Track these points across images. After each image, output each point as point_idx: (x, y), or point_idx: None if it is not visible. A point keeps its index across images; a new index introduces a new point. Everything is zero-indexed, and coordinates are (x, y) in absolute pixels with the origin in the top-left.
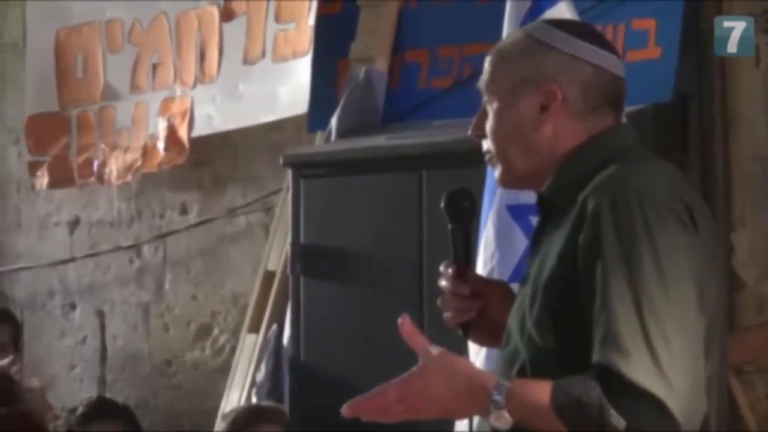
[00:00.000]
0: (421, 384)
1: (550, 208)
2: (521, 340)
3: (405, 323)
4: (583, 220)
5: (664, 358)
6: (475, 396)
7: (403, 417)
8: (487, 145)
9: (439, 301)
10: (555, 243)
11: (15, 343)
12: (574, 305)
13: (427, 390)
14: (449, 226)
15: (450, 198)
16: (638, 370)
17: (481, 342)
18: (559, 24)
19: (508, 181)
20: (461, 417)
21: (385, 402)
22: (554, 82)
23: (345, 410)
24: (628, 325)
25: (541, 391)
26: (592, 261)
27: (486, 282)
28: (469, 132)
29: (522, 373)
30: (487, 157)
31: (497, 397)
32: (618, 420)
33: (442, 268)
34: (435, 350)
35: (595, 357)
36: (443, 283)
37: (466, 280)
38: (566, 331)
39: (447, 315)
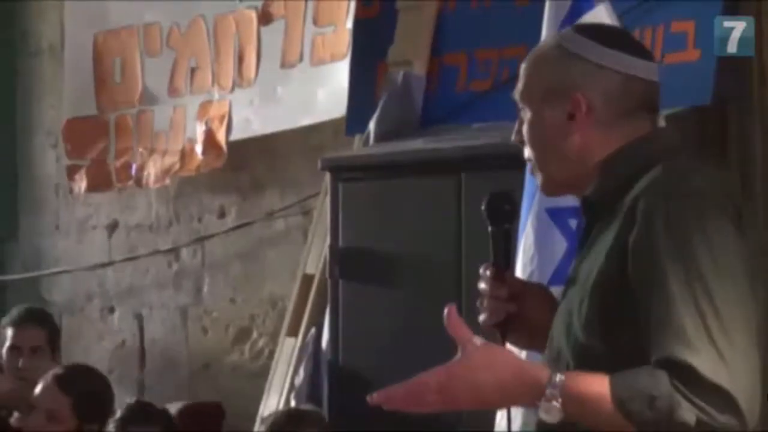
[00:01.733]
0: (465, 373)
1: (594, 212)
2: (567, 343)
3: (451, 313)
4: (632, 220)
5: (727, 352)
6: (526, 387)
7: (439, 408)
8: (527, 152)
9: (477, 303)
10: (603, 245)
11: (52, 346)
12: (624, 307)
13: (471, 379)
14: (489, 228)
15: (491, 200)
16: (707, 365)
17: (518, 344)
18: (587, 31)
19: (548, 189)
20: (505, 407)
21: (423, 390)
22: (578, 91)
23: (372, 398)
24: (691, 320)
25: (599, 383)
26: (645, 260)
27: (524, 284)
28: (512, 138)
29: None
30: (529, 165)
31: (551, 390)
32: (689, 414)
33: (481, 270)
34: (478, 341)
35: (659, 352)
36: (482, 285)
37: (504, 282)
38: (615, 333)
39: (482, 317)
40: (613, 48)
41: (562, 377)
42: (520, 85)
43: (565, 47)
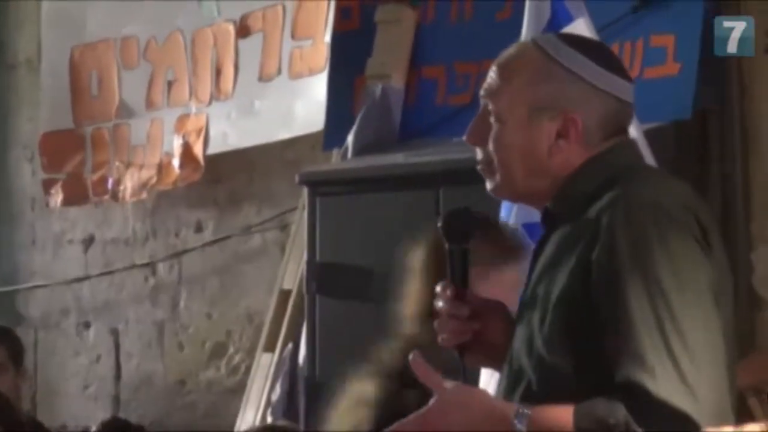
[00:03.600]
0: (440, 418)
1: (553, 223)
2: (529, 359)
3: (416, 361)
4: (596, 237)
5: (689, 371)
6: (495, 425)
7: None
8: (482, 153)
9: (435, 324)
10: (565, 261)
11: (15, 362)
12: (587, 323)
13: (446, 423)
14: (447, 247)
15: (447, 218)
16: (664, 386)
17: (478, 364)
18: (579, 45)
19: (503, 193)
20: None
21: None
22: (575, 112)
23: None
24: (650, 340)
25: (563, 416)
26: (607, 277)
27: (484, 303)
28: (465, 138)
29: (527, 393)
30: (480, 166)
31: (518, 426)
32: None
33: (438, 289)
34: (449, 384)
35: (618, 375)
36: (440, 304)
37: (464, 300)
38: (578, 349)
39: (443, 337)
40: (607, 69)
41: (528, 412)
42: (495, 87)
43: (561, 62)
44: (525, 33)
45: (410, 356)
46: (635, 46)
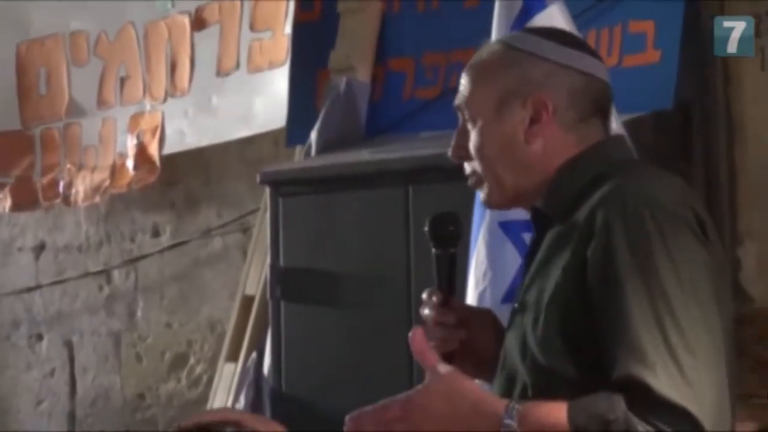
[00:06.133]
0: (425, 403)
1: (544, 223)
2: (522, 362)
3: (416, 337)
4: (590, 233)
5: (689, 368)
6: (484, 419)
7: None
8: (470, 167)
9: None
10: (557, 259)
11: None
12: (582, 322)
13: (431, 410)
14: (433, 251)
15: (434, 222)
16: (665, 382)
17: (466, 374)
18: (540, 32)
19: (496, 201)
20: None
21: (386, 418)
22: (542, 92)
23: (347, 424)
24: (649, 336)
25: (557, 412)
26: (604, 274)
27: (471, 310)
28: (450, 154)
29: (523, 397)
30: (471, 180)
31: (508, 421)
32: None
33: (424, 296)
34: (444, 369)
35: (617, 372)
36: (426, 311)
37: (451, 308)
38: (573, 349)
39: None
40: (570, 47)
41: (519, 407)
42: (465, 93)
43: (521, 48)
44: (496, 20)
45: (410, 333)
46: (613, 32)
